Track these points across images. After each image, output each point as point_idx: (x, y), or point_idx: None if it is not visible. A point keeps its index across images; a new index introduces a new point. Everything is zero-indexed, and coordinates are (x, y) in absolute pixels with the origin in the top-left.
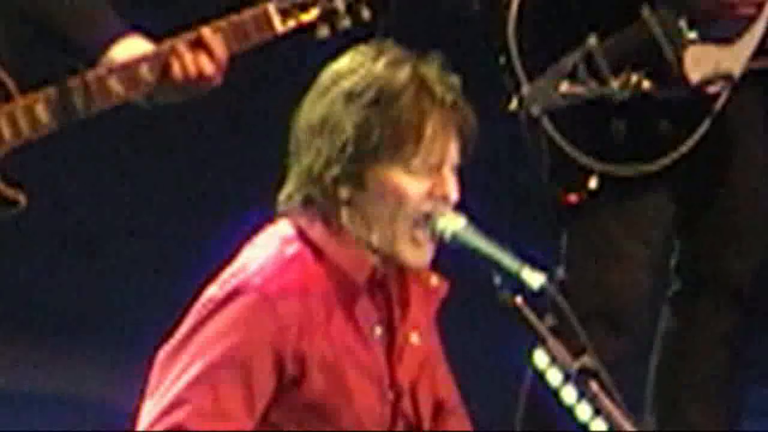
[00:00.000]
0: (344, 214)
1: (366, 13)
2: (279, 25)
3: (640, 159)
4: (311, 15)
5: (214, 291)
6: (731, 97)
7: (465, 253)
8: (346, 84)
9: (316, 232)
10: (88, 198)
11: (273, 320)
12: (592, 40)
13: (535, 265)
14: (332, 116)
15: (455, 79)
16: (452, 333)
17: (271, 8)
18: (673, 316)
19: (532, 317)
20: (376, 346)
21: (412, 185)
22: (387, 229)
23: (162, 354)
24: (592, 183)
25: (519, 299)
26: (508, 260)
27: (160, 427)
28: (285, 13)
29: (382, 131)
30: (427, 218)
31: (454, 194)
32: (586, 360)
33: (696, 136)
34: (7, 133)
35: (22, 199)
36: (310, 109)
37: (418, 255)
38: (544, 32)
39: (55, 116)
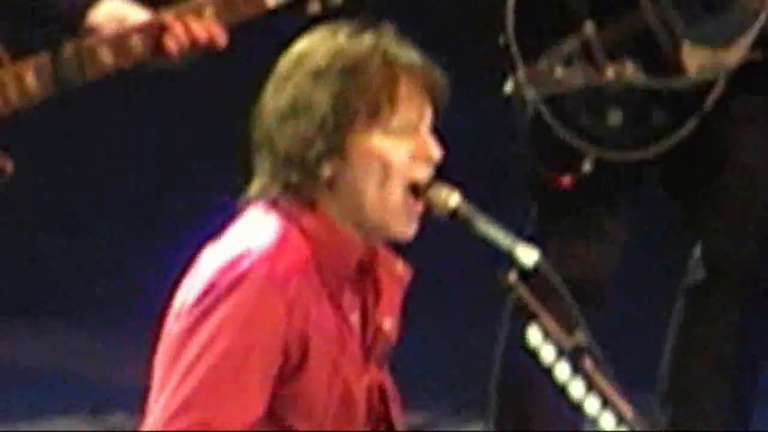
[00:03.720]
0: (329, 195)
1: None
2: (269, 0)
3: (634, 146)
4: None
5: (214, 276)
6: (728, 89)
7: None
8: (310, 63)
9: (306, 217)
10: (66, 174)
11: (283, 303)
12: (589, 27)
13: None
14: (303, 96)
15: (412, 46)
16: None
17: None
18: (687, 308)
19: (525, 294)
20: (355, 331)
21: (394, 149)
22: (377, 199)
23: (166, 347)
24: (586, 167)
25: (513, 276)
26: (502, 237)
27: (179, 424)
28: None
29: (357, 99)
30: (418, 190)
31: (436, 153)
32: (580, 337)
33: (690, 126)
34: None
35: (9, 167)
36: (277, 96)
37: (407, 226)
38: (543, 17)
39: (44, 85)
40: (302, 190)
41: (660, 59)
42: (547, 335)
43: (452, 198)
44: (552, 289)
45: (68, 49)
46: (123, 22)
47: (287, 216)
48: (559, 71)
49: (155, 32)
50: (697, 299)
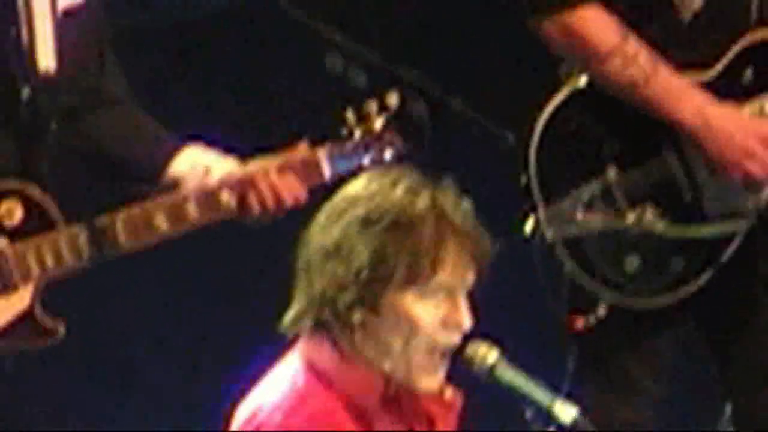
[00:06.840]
0: (357, 338)
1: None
2: (327, 172)
3: (650, 293)
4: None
5: None
6: (750, 236)
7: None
8: (362, 209)
9: (324, 360)
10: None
11: None
12: (612, 172)
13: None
14: (347, 241)
15: (469, 205)
16: None
17: (322, 156)
18: None
19: None
20: None
21: (426, 313)
22: (401, 357)
23: None
24: (601, 311)
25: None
26: (540, 393)
27: None
28: (333, 158)
29: (399, 258)
30: (449, 350)
31: (467, 322)
32: None
33: (706, 276)
34: (49, 261)
35: (60, 330)
36: (324, 232)
37: (431, 382)
38: (566, 158)
39: (97, 249)
40: (331, 329)
41: (681, 207)
42: None
43: (491, 355)
44: None
45: (145, 206)
46: (207, 172)
47: (309, 364)
48: (579, 213)
49: (246, 189)
50: None
